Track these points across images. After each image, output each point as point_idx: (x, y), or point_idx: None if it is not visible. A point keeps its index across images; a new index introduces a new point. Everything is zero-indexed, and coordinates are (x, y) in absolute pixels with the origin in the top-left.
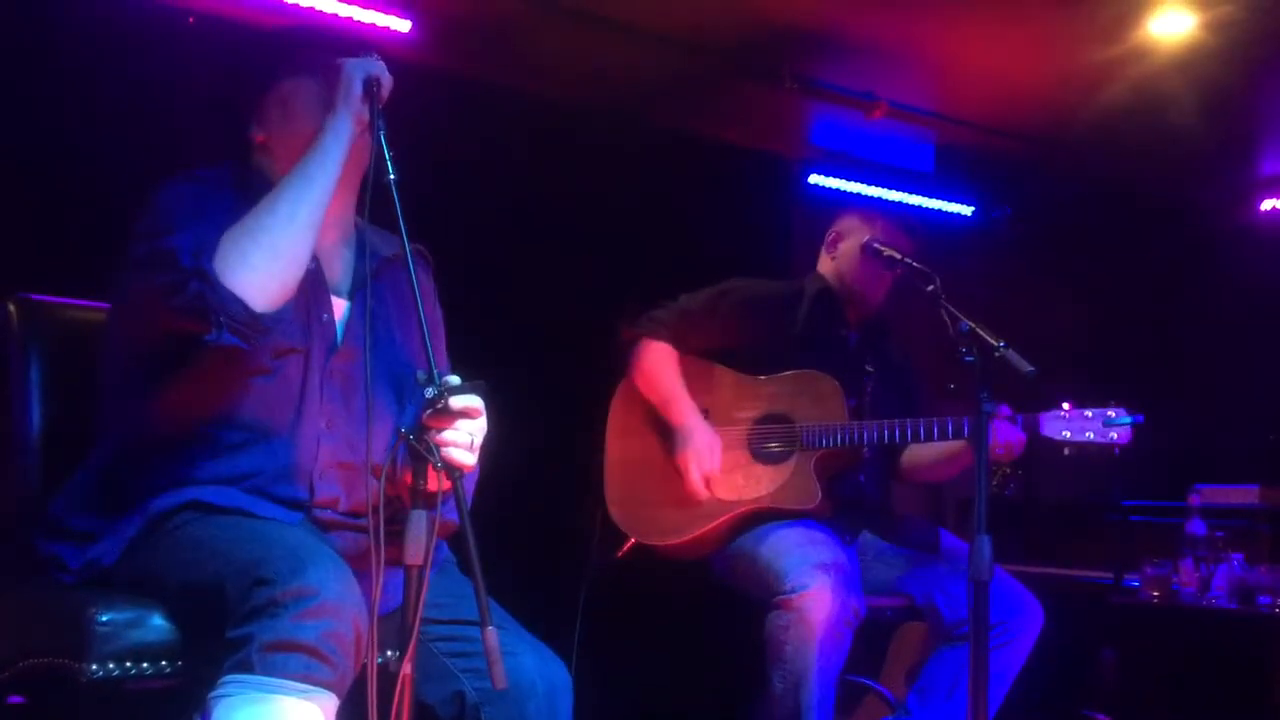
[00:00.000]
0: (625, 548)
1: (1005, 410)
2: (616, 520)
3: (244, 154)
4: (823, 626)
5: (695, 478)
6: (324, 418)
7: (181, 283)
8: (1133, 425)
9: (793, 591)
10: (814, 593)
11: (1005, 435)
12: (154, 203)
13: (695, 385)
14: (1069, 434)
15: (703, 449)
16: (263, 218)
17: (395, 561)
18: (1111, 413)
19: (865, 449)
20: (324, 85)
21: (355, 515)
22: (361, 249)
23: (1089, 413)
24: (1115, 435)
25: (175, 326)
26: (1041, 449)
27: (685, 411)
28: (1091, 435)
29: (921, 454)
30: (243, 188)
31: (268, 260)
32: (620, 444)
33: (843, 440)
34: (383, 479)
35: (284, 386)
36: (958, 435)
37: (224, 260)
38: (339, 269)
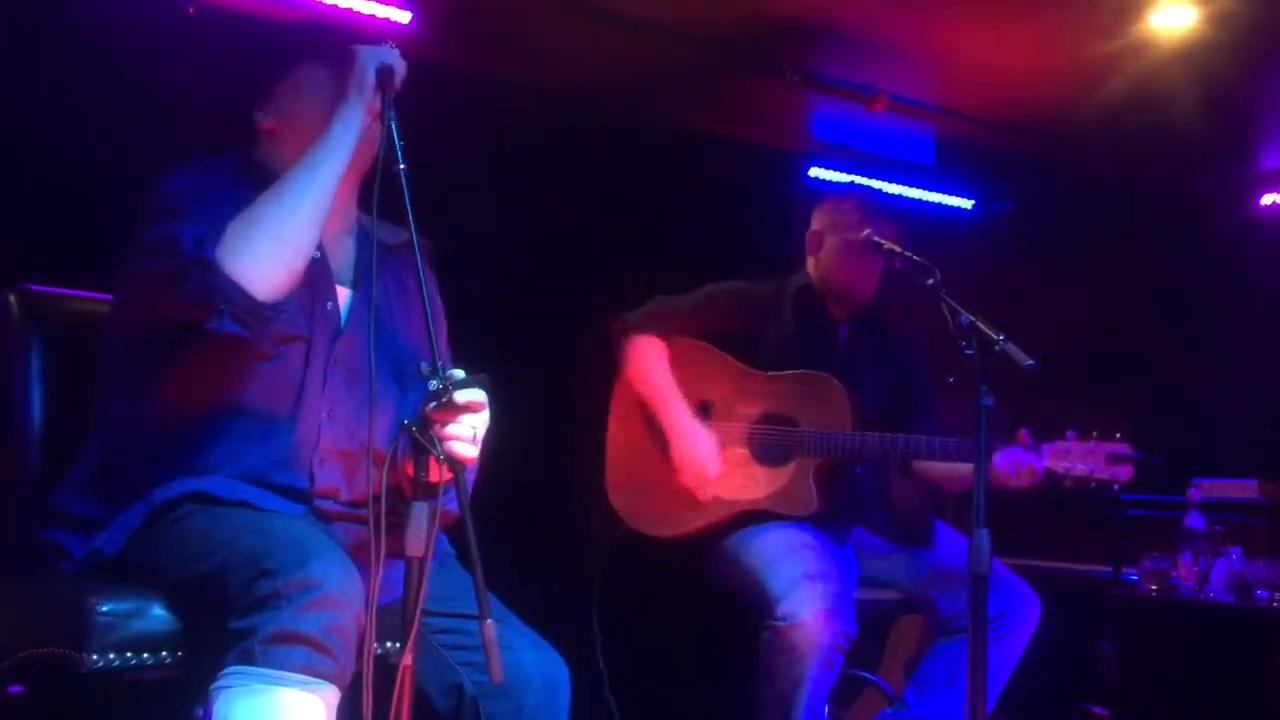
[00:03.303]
0: (619, 531)
1: (1026, 437)
2: (616, 507)
3: (249, 141)
4: (814, 657)
5: (694, 485)
6: (327, 405)
7: (184, 270)
8: (1136, 463)
9: (783, 620)
10: (806, 623)
11: (1027, 461)
12: (158, 189)
13: (702, 374)
14: (1068, 468)
15: (703, 458)
16: (269, 206)
17: (395, 553)
18: (1118, 447)
19: (864, 457)
20: (337, 73)
21: (356, 505)
22: (364, 238)
23: (1092, 445)
24: (1117, 472)
25: (177, 313)
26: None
27: (679, 414)
28: (1094, 471)
29: (933, 464)
30: (247, 175)
31: (273, 249)
32: (623, 428)
33: (845, 450)
34: (385, 467)
35: (286, 373)
36: (962, 458)
37: (228, 248)
38: (342, 258)
